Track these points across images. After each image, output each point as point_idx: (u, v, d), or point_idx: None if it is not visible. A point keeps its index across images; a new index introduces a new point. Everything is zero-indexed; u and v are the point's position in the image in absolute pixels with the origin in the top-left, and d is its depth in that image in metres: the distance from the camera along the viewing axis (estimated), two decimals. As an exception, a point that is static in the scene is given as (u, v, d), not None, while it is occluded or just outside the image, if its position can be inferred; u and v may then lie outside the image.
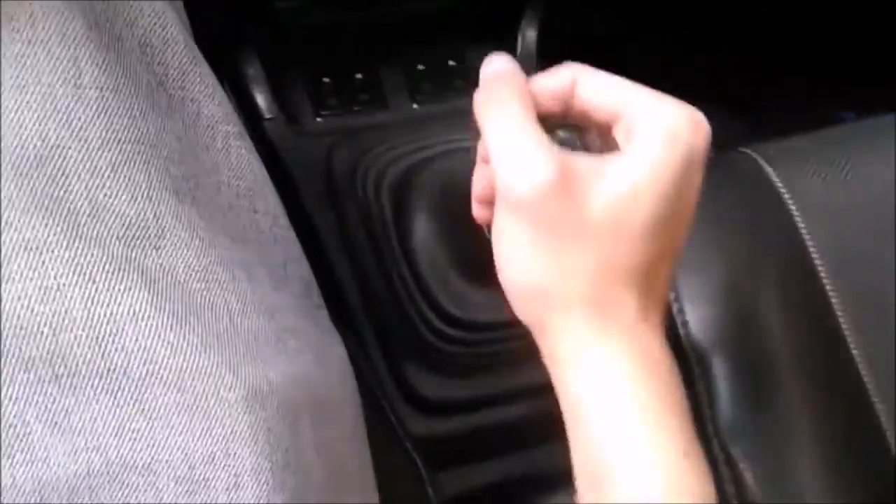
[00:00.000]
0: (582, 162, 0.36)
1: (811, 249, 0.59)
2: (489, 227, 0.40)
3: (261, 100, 0.77)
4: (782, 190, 0.62)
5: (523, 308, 0.38)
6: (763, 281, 0.58)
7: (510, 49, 0.84)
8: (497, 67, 0.40)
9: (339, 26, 0.81)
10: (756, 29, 1.03)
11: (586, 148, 0.39)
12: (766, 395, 0.54)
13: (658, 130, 0.36)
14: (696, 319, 0.54)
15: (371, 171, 0.70)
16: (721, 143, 0.65)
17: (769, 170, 0.62)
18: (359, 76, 0.80)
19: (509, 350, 0.64)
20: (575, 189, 0.36)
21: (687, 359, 0.55)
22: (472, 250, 0.58)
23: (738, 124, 0.96)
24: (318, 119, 0.78)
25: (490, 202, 0.39)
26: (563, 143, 0.38)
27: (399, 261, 0.67)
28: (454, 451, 0.65)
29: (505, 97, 0.38)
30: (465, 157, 0.68)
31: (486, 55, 0.89)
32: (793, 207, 0.61)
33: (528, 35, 0.84)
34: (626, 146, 0.37)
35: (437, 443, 0.64)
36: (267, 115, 0.77)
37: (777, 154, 0.63)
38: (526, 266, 0.37)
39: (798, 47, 1.03)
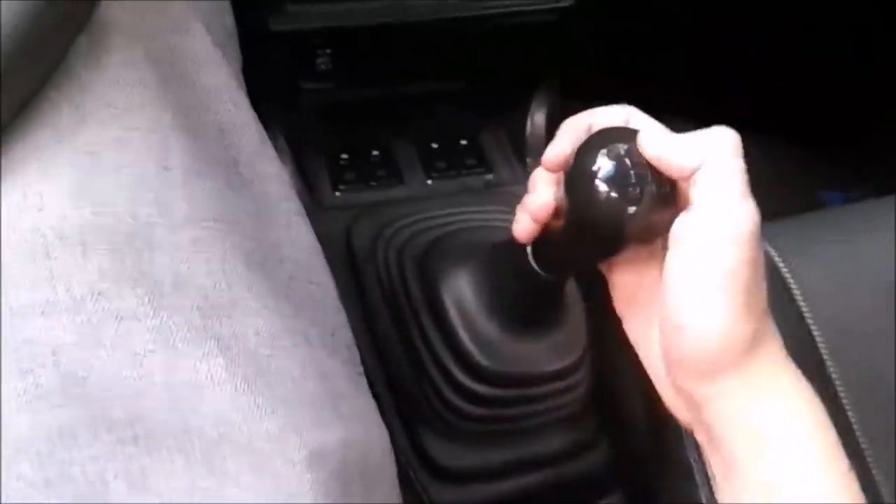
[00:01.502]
0: None
1: (812, 326, 0.62)
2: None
3: (287, 172, 0.80)
4: (783, 269, 0.65)
5: (696, 370, 0.43)
6: None
7: (520, 131, 0.88)
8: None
9: (357, 106, 0.85)
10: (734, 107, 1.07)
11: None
12: None
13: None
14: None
15: (392, 243, 0.73)
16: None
17: (771, 249, 0.66)
18: (375, 153, 0.84)
19: (528, 416, 0.66)
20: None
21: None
22: (501, 311, 0.62)
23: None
24: (337, 193, 0.81)
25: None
26: (619, 157, 0.42)
27: (419, 329, 0.69)
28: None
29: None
30: (483, 231, 0.71)
31: (497, 135, 0.93)
32: (794, 286, 0.63)
33: (537, 118, 0.88)
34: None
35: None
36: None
37: (778, 233, 0.67)
38: (723, 312, 0.41)
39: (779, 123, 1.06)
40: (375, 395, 0.69)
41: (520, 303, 0.61)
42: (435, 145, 0.85)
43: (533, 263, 0.54)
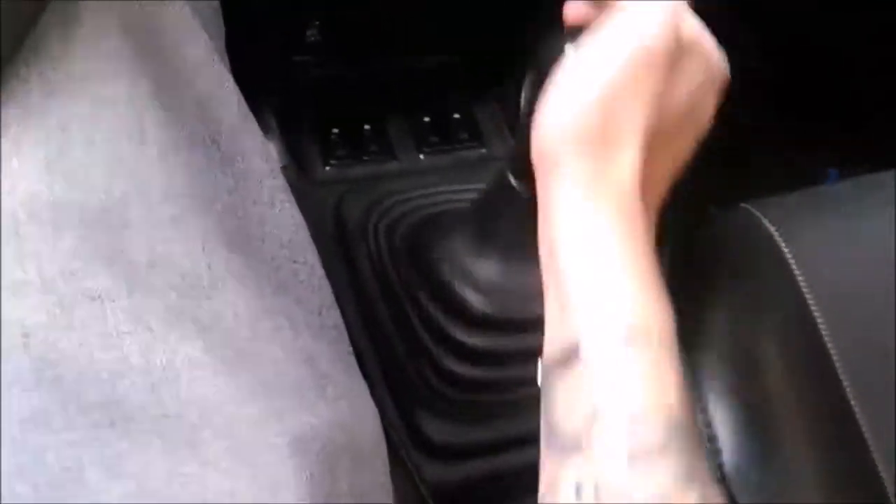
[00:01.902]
0: None
1: (811, 304, 0.61)
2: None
3: (274, 149, 0.79)
4: (783, 246, 0.63)
5: (551, 139, 0.39)
6: (763, 334, 0.59)
7: (513, 104, 0.86)
8: None
9: (348, 79, 0.83)
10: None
11: None
12: (769, 446, 0.55)
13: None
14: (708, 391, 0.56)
15: (383, 220, 0.71)
16: (717, 199, 0.67)
17: (770, 226, 0.64)
18: (367, 127, 0.82)
19: (521, 396, 0.65)
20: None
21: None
22: (491, 250, 0.60)
23: (727, 180, 0.99)
24: (328, 168, 0.80)
25: None
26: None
27: (410, 300, 0.68)
28: (469, 496, 0.66)
29: None
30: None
31: (490, 109, 0.92)
32: (793, 263, 0.62)
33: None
34: None
35: (452, 488, 0.65)
36: (280, 164, 0.78)
37: (778, 210, 0.65)
38: (593, 93, 0.38)
39: (781, 103, 1.05)
40: (366, 374, 0.68)
41: (508, 232, 0.61)
42: (427, 119, 0.84)
43: (514, 183, 0.55)
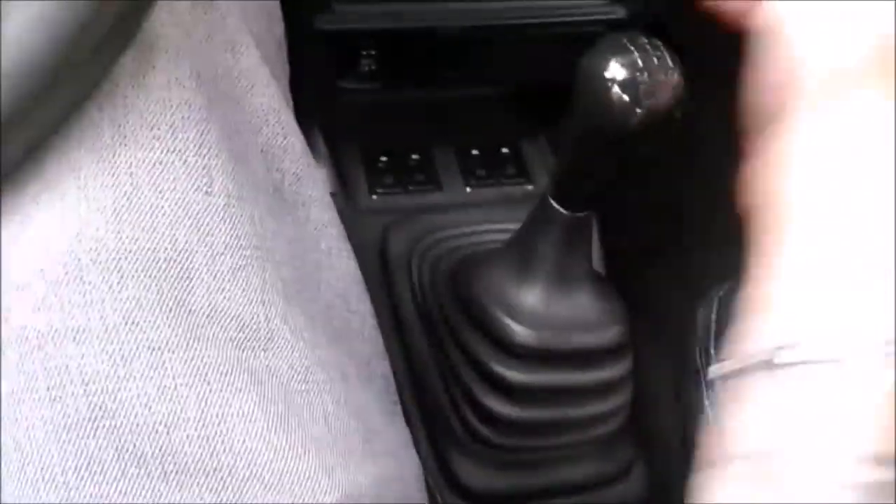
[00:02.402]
0: None
1: None
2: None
3: (325, 176, 0.79)
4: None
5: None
6: None
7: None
8: None
9: (398, 107, 0.83)
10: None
11: None
12: None
13: None
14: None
15: (427, 256, 0.71)
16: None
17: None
18: (415, 157, 0.82)
19: (564, 441, 0.64)
20: None
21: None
22: (533, 276, 0.60)
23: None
24: (374, 196, 0.80)
25: None
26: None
27: (450, 337, 0.67)
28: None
29: None
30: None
31: (538, 145, 0.91)
32: None
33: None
34: None
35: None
36: (329, 191, 0.79)
37: None
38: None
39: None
40: (404, 411, 0.68)
41: (550, 258, 0.60)
42: (475, 152, 0.83)
43: (553, 202, 0.54)
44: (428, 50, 0.77)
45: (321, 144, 0.80)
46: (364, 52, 0.77)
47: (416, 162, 0.82)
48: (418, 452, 0.65)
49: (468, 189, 0.82)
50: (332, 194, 0.78)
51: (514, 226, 0.74)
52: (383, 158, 0.81)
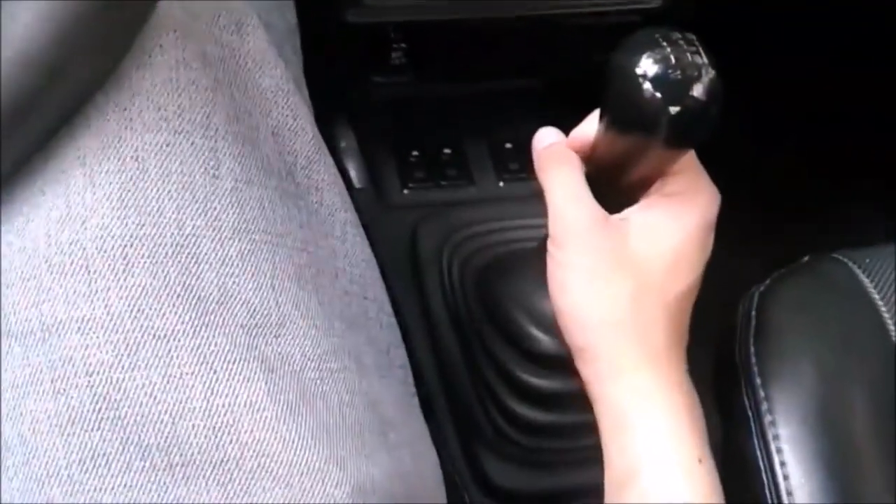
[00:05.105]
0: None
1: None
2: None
3: (353, 171, 0.78)
4: (875, 295, 0.61)
5: (573, 331, 0.45)
6: (854, 393, 0.57)
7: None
8: (551, 139, 0.49)
9: (430, 101, 0.82)
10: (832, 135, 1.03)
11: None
12: (850, 492, 0.53)
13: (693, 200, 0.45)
14: (789, 437, 0.54)
15: (457, 252, 0.70)
16: (811, 246, 0.64)
17: (864, 278, 0.62)
18: (447, 151, 0.81)
19: (585, 444, 0.63)
20: (616, 227, 0.45)
21: (774, 472, 0.54)
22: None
23: (826, 225, 0.95)
24: (405, 192, 0.79)
25: None
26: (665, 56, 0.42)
27: (477, 341, 0.66)
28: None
29: (563, 161, 0.48)
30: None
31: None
32: (887, 316, 0.60)
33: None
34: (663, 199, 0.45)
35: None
36: (357, 185, 0.78)
37: (872, 262, 0.63)
38: (577, 292, 0.44)
39: (875, 148, 1.02)
40: (433, 408, 0.67)
41: None
42: (509, 145, 0.82)
43: None
44: (458, 42, 0.76)
45: (353, 139, 0.80)
46: (394, 46, 0.76)
47: (449, 156, 0.81)
48: (447, 449, 0.64)
49: (501, 183, 0.80)
50: (362, 189, 0.78)
51: (545, 222, 0.73)
52: (415, 153, 0.81)
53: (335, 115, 0.79)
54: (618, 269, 0.43)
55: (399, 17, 0.73)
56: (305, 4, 0.59)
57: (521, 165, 0.81)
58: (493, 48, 0.77)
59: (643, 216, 0.45)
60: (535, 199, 0.79)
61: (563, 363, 0.61)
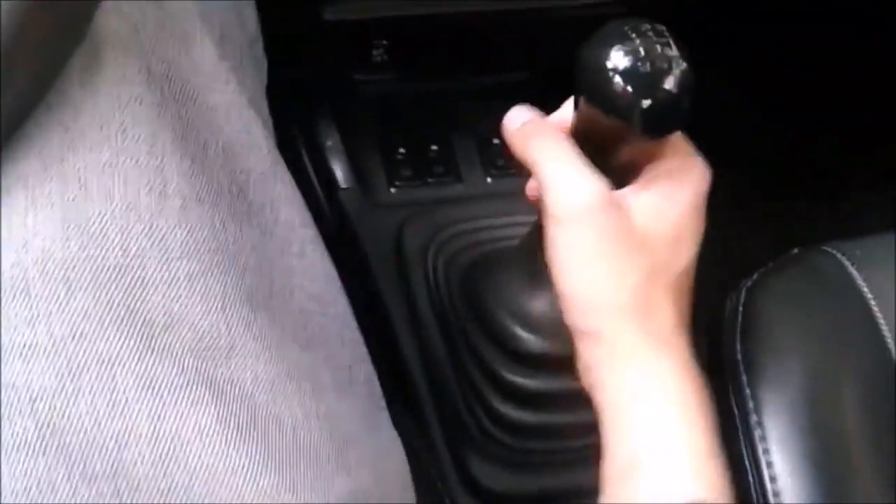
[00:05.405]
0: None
1: (892, 348, 0.57)
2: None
3: (338, 170, 0.77)
4: (865, 289, 0.60)
5: (577, 315, 0.43)
6: (844, 389, 0.56)
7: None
8: (524, 118, 0.47)
9: (415, 98, 0.81)
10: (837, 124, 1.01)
11: None
12: (839, 489, 0.52)
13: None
14: (776, 437, 0.53)
15: (442, 252, 0.69)
16: (801, 238, 0.63)
17: (853, 271, 0.60)
18: (434, 148, 0.80)
19: (572, 445, 0.62)
20: (620, 205, 0.42)
21: (761, 474, 0.54)
22: (541, 284, 0.58)
23: (816, 217, 0.94)
24: (392, 190, 0.78)
25: None
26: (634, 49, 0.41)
27: (462, 340, 0.66)
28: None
29: (548, 133, 0.45)
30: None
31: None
32: (875, 306, 0.59)
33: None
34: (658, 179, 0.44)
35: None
36: (343, 185, 0.77)
37: (862, 254, 0.62)
38: (583, 274, 0.42)
39: (881, 139, 1.00)
40: (419, 408, 0.66)
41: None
42: (496, 141, 0.81)
43: None
44: (439, 38, 0.75)
45: (338, 139, 0.79)
46: (375, 43, 0.75)
47: (436, 153, 0.80)
48: (433, 451, 0.64)
49: (489, 179, 0.79)
50: (348, 188, 0.78)
51: (535, 218, 0.72)
52: (402, 150, 0.79)
53: (320, 115, 0.79)
54: (625, 249, 0.41)
55: (377, 12, 0.72)
56: (279, 4, 0.58)
57: (508, 162, 0.80)
58: (475, 43, 0.76)
59: (640, 197, 0.43)
60: (522, 196, 0.78)
61: (548, 363, 0.61)
